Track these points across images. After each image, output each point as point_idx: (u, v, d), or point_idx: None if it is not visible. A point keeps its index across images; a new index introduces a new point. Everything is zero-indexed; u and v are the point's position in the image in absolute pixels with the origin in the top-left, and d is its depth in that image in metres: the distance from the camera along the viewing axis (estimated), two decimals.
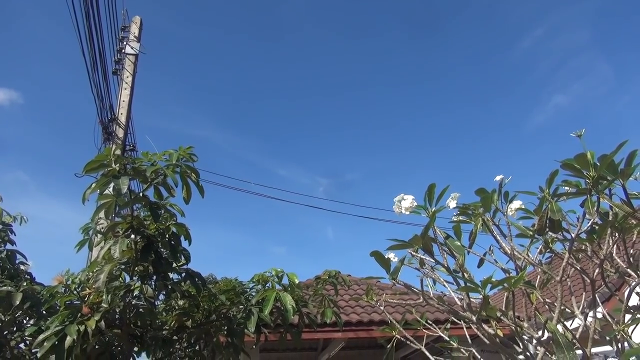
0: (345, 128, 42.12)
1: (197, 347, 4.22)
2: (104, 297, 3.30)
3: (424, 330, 2.89)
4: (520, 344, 2.15)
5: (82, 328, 3.12)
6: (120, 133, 9.02)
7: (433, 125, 41.59)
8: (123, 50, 9.59)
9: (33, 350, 3.80)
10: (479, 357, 2.34)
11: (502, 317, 2.22)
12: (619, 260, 2.22)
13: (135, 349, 3.78)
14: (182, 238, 3.65)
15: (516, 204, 2.12)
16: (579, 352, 1.91)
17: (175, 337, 4.03)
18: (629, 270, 2.10)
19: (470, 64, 37.81)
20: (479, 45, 38.28)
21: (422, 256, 2.19)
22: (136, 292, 3.59)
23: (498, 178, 2.12)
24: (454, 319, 2.52)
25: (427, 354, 2.73)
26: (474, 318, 2.15)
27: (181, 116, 34.97)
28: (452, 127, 40.63)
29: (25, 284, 3.80)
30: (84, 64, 7.82)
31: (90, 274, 3.49)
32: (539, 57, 36.66)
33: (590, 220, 1.86)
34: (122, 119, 9.10)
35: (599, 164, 1.60)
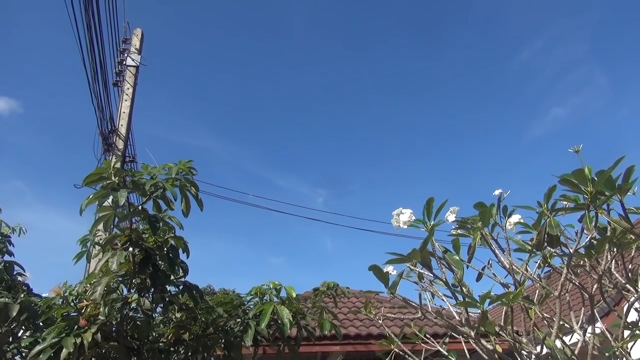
0: (344, 138, 42.18)
1: None
2: (101, 309, 3.29)
3: (423, 344, 2.87)
4: (519, 359, 2.14)
5: (78, 340, 3.10)
6: (120, 144, 9.03)
7: (431, 136, 41.65)
8: (124, 62, 9.63)
9: None
10: None
11: (500, 332, 2.21)
12: (617, 275, 2.22)
13: None
14: (180, 250, 3.65)
15: (515, 218, 2.13)
16: None
17: (172, 350, 4.01)
18: (627, 285, 2.10)
19: (469, 74, 37.96)
20: (478, 56, 38.50)
21: (420, 270, 2.19)
22: (133, 305, 3.58)
23: (497, 192, 2.13)
24: (452, 333, 2.51)
25: None
26: (472, 333, 2.15)
27: (181, 126, 35.03)
28: (450, 138, 40.70)
29: (22, 295, 3.78)
30: (84, 75, 7.85)
31: (88, 286, 3.48)
32: (538, 69, 36.86)
33: (588, 235, 1.87)
34: (122, 130, 9.12)
35: (596, 179, 1.61)
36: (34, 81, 31.04)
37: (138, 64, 9.66)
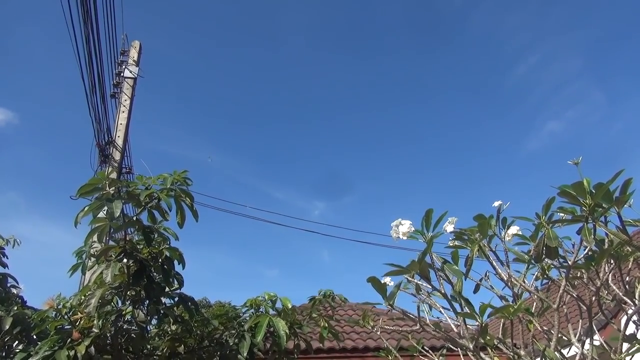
0: (342, 151, 42.33)
1: None
2: (95, 321, 3.25)
3: (420, 357, 2.85)
4: None
5: (71, 353, 3.06)
6: (117, 156, 9.01)
7: (428, 149, 41.79)
8: (122, 74, 9.64)
9: None
10: None
11: (499, 345, 2.19)
12: (615, 287, 2.21)
13: None
14: (175, 262, 3.62)
15: (513, 229, 2.12)
16: None
17: None
18: (625, 297, 2.09)
19: (466, 88, 38.34)
20: (475, 71, 38.87)
21: (418, 282, 2.17)
22: (128, 317, 3.54)
23: (496, 204, 2.12)
24: (450, 346, 2.49)
25: None
26: (470, 345, 2.13)
27: (178, 138, 35.06)
28: (447, 151, 40.85)
29: (16, 308, 3.74)
30: (82, 86, 7.84)
31: (82, 298, 3.45)
32: (533, 84, 37.21)
33: (586, 247, 1.86)
34: (119, 141, 9.10)
35: (595, 191, 1.60)
36: (31, 92, 31.05)
37: (136, 75, 9.66)
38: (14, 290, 4.37)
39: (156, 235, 3.46)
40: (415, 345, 2.87)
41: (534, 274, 2.26)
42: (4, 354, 3.89)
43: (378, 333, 2.87)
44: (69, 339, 3.18)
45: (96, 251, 3.65)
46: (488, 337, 2.07)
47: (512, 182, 40.96)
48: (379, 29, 38.21)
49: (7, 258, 4.56)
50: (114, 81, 9.62)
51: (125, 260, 3.40)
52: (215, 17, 38.19)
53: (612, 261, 1.96)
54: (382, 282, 2.07)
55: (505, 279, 2.14)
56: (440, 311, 2.31)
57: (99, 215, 3.15)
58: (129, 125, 9.42)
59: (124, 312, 3.47)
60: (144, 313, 3.59)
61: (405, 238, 2.08)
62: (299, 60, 41.34)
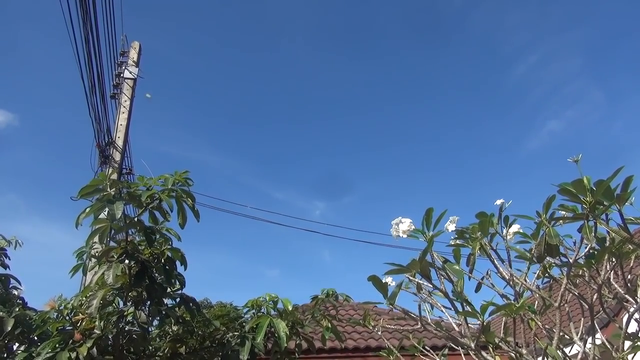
0: (342, 151, 42.34)
1: None
2: (96, 323, 3.25)
3: (422, 357, 2.85)
4: None
5: (73, 355, 3.06)
6: (117, 157, 9.01)
7: (429, 149, 41.79)
8: (122, 75, 9.64)
9: None
10: None
11: (500, 344, 2.19)
12: (616, 285, 2.20)
13: None
14: (177, 262, 3.62)
15: (514, 228, 2.11)
16: None
17: None
18: (626, 296, 2.09)
19: (465, 88, 38.37)
20: (474, 71, 38.89)
21: (419, 281, 2.17)
22: (129, 318, 3.54)
23: (498, 202, 2.12)
24: (452, 345, 2.49)
25: None
26: (472, 344, 2.13)
27: (179, 140, 35.04)
28: (447, 151, 40.82)
29: (17, 309, 3.74)
30: (82, 87, 7.84)
31: (84, 299, 3.45)
32: (533, 83, 37.24)
33: (587, 245, 1.85)
34: (120, 142, 9.10)
35: (595, 189, 1.60)
36: (31, 93, 31.05)
37: (136, 76, 9.66)
38: (15, 292, 4.37)
39: (158, 236, 3.46)
40: (416, 345, 2.87)
41: (535, 273, 2.26)
42: (5, 355, 3.89)
43: (379, 333, 2.86)
44: (71, 340, 3.19)
45: (97, 252, 3.65)
46: (490, 335, 2.06)
47: (512, 182, 40.95)
48: (378, 28, 38.29)
49: (9, 259, 4.56)
50: (114, 82, 9.63)
51: (126, 261, 3.40)
52: (214, 18, 38.26)
53: (613, 259, 1.96)
54: (383, 281, 2.06)
55: (507, 277, 2.14)
56: (441, 310, 2.31)
57: (100, 217, 3.15)
58: (129, 126, 9.43)
59: (125, 313, 3.47)
60: (145, 314, 3.59)
61: (405, 236, 2.08)
62: (299, 61, 41.39)
